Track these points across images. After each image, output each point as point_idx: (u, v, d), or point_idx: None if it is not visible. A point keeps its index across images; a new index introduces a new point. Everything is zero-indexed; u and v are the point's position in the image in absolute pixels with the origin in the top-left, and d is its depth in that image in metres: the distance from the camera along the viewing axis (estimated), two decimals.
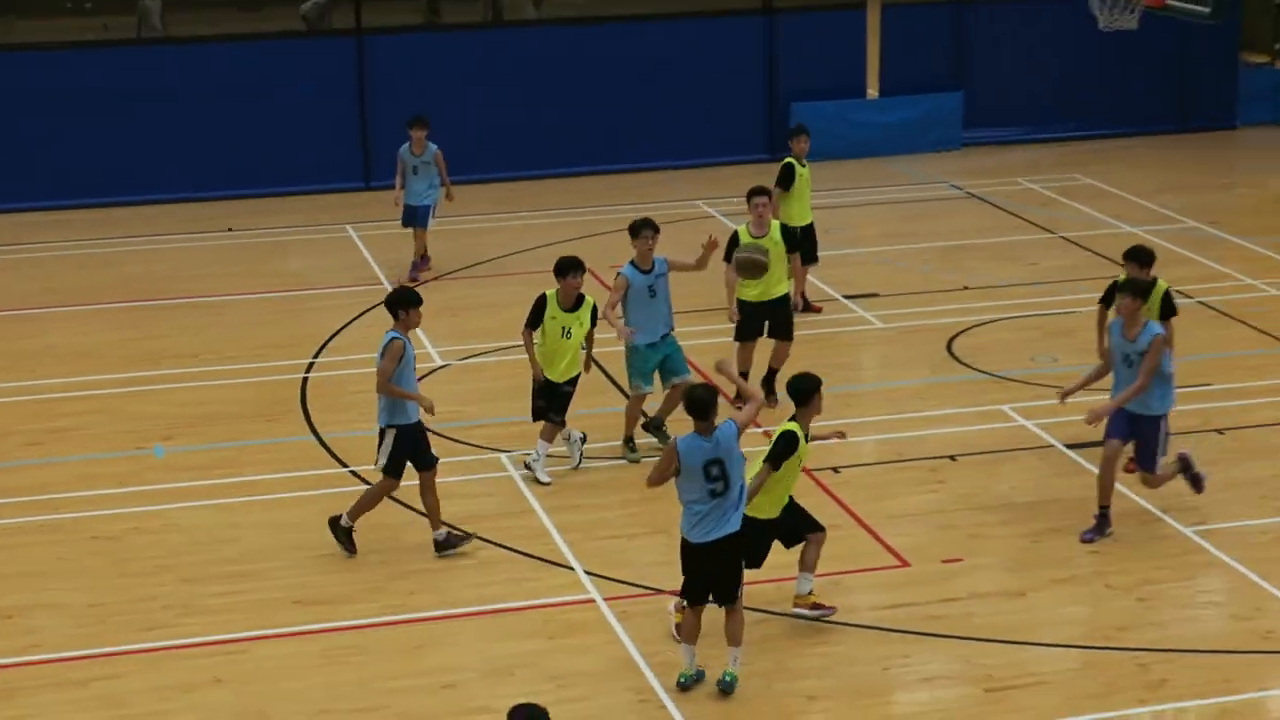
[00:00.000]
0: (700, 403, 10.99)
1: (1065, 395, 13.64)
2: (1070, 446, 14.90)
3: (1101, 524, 13.32)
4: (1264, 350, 16.04)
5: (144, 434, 15.77)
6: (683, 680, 11.30)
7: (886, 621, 12.08)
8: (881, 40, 26.41)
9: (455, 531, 13.36)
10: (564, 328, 14.27)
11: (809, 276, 18.61)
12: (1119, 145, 26.56)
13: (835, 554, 12.84)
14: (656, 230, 14.80)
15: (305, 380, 17.05)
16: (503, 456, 14.92)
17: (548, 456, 14.52)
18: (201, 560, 13.24)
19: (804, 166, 18.32)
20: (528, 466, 14.53)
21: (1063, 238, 21.64)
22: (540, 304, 14.33)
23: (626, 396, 15.19)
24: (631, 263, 14.75)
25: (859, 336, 18.16)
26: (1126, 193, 23.75)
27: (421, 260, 20.23)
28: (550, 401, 14.43)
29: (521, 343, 14.54)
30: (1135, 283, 13.20)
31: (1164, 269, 19.75)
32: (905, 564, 12.95)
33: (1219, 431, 15.28)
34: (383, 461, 13.12)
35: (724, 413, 11.34)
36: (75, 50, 24.21)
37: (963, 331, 17.85)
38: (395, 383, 12.90)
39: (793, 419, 11.76)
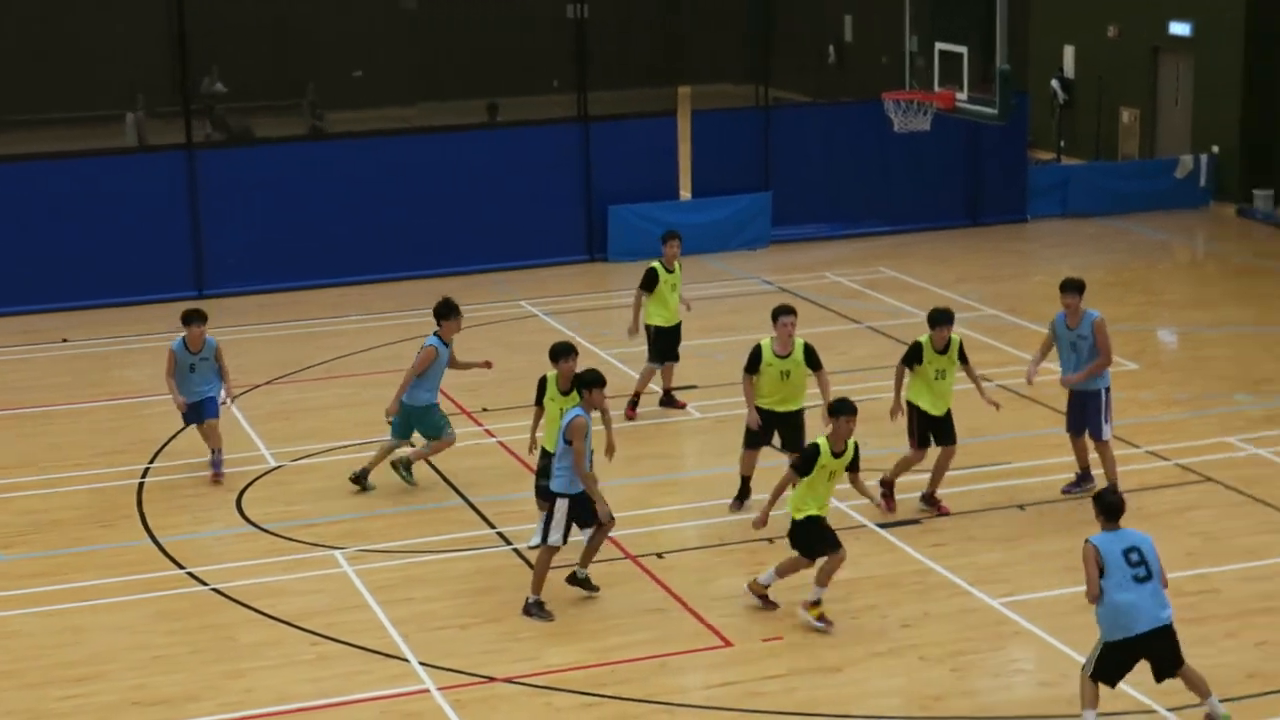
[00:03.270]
0: (1113, 507, 11.57)
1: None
2: (881, 526, 15.39)
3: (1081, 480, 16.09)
4: (1061, 429, 16.67)
5: None
6: None
7: (714, 700, 12.34)
8: (692, 144, 27.04)
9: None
10: (562, 409, 14.50)
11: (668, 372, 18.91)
12: (918, 239, 27.32)
13: (661, 636, 13.25)
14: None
15: (141, 485, 17.08)
16: (336, 553, 15.11)
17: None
18: (43, 665, 13.18)
19: (670, 271, 18.46)
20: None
21: (869, 327, 22.28)
22: (541, 386, 14.87)
23: (456, 490, 15.81)
24: (436, 334, 16.24)
25: (679, 426, 18.56)
26: (928, 284, 24.45)
27: (217, 454, 17.25)
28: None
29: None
30: (1074, 281, 15.96)
31: (968, 354, 20.68)
32: (728, 644, 13.23)
33: (1020, 507, 15.80)
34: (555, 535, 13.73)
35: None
36: None
37: None
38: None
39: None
